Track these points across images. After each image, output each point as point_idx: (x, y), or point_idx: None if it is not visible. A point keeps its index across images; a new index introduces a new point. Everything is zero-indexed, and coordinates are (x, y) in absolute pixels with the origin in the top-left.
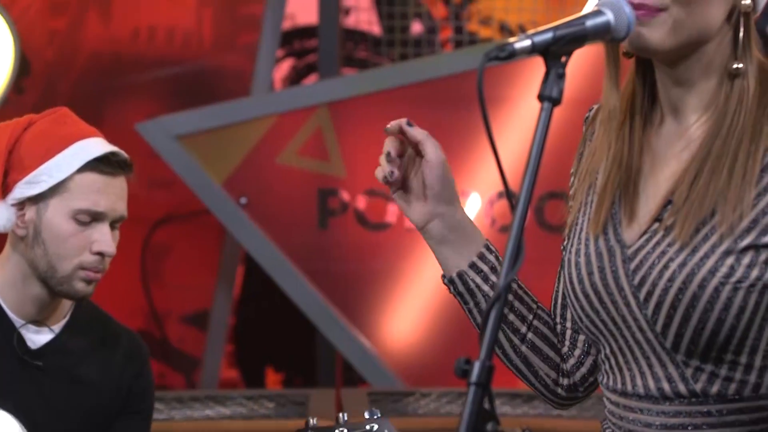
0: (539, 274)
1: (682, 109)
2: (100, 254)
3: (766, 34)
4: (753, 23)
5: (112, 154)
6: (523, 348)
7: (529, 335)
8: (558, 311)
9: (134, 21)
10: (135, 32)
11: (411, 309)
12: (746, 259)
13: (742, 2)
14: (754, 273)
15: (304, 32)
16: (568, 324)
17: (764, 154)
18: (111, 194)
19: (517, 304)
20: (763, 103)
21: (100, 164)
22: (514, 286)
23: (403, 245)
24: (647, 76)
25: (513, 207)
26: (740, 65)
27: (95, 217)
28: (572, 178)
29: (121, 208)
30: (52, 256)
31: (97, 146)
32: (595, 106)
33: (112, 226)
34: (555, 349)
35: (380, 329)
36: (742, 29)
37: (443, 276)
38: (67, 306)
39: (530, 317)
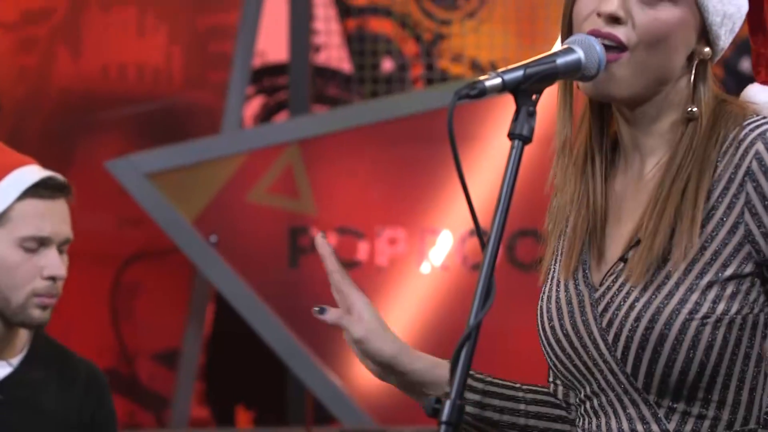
0: (511, 312)
1: (641, 150)
2: (52, 279)
3: (737, 70)
4: (710, 69)
5: (49, 178)
6: (531, 421)
7: (531, 413)
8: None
9: (104, 58)
10: (105, 69)
11: None
12: (711, 294)
13: (703, 50)
14: (720, 307)
15: (275, 70)
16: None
17: (712, 184)
18: (54, 218)
19: (501, 402)
20: (713, 134)
21: (38, 189)
22: (493, 389)
23: (374, 283)
24: (604, 114)
25: (483, 245)
26: (694, 109)
27: (42, 243)
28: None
29: (65, 230)
30: (3, 288)
31: (32, 173)
32: None
33: (60, 249)
34: (560, 408)
35: (351, 367)
36: (693, 75)
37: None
38: (24, 338)
39: (521, 406)
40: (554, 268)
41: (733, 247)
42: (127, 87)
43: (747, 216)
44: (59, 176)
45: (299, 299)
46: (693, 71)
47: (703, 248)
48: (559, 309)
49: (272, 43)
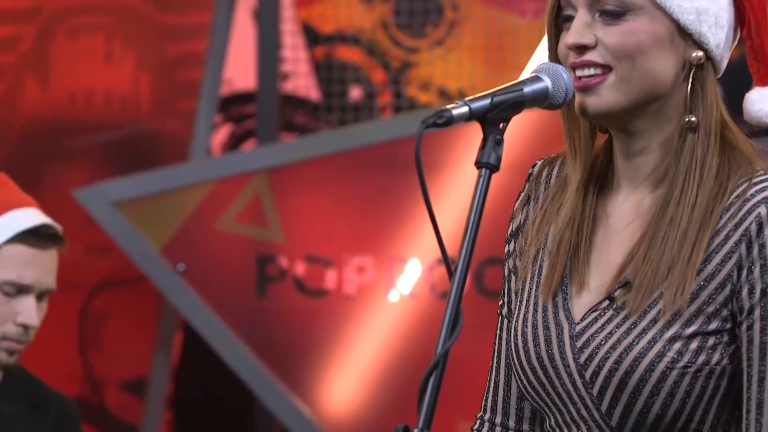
0: (479, 340)
1: (637, 178)
2: (24, 326)
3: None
4: (712, 76)
5: (44, 226)
6: None
7: None
8: (505, 409)
9: (72, 85)
10: (72, 97)
11: (350, 375)
12: (694, 345)
13: (693, 54)
14: (701, 358)
15: (243, 98)
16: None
17: (712, 238)
18: (39, 267)
19: None
20: (720, 176)
21: (30, 236)
22: None
23: (342, 312)
24: (609, 144)
25: (451, 274)
26: (692, 118)
27: (21, 289)
28: (511, 239)
29: (48, 281)
30: None
31: (29, 217)
32: (539, 162)
33: (40, 297)
34: None
35: (319, 396)
36: (696, 82)
37: None
38: None
39: None
40: (530, 287)
41: (720, 303)
42: (94, 115)
43: (735, 275)
44: (55, 225)
45: (267, 328)
46: (688, 79)
47: (690, 299)
48: (535, 334)
49: (240, 71)
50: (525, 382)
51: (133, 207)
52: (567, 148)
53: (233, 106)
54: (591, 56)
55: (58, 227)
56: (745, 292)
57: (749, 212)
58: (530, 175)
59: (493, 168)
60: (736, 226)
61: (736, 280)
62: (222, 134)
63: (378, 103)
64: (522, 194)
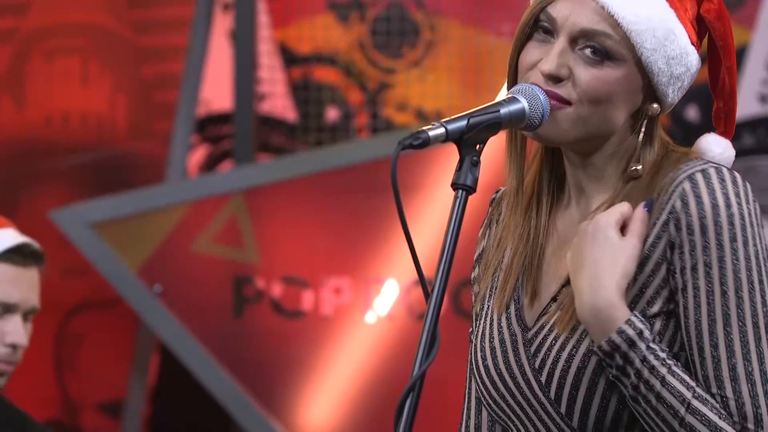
0: (456, 362)
1: (587, 192)
2: (13, 346)
3: (683, 120)
4: (658, 123)
5: (24, 245)
6: None
7: None
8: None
9: (48, 107)
10: (48, 119)
11: (328, 397)
12: None
13: (651, 106)
14: None
15: (219, 118)
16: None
17: (647, 239)
18: (23, 285)
19: None
20: (652, 185)
21: (12, 255)
22: None
23: (319, 333)
24: (554, 156)
25: (427, 295)
26: (638, 167)
27: (7, 309)
28: (476, 265)
29: (33, 299)
30: None
31: (8, 237)
32: (502, 189)
33: (25, 317)
34: None
35: (297, 417)
36: (644, 132)
37: None
38: None
39: None
40: (488, 305)
41: (658, 285)
42: (70, 136)
43: (668, 253)
44: (35, 243)
45: (244, 349)
46: (641, 128)
47: (629, 286)
48: (492, 348)
49: (216, 91)
50: (487, 396)
51: (109, 228)
52: (507, 165)
53: (210, 127)
54: (558, 90)
55: (38, 246)
56: (678, 270)
57: (674, 191)
58: (492, 200)
59: (470, 189)
60: (664, 208)
61: (669, 258)
62: (198, 155)
63: (355, 123)
64: (485, 220)
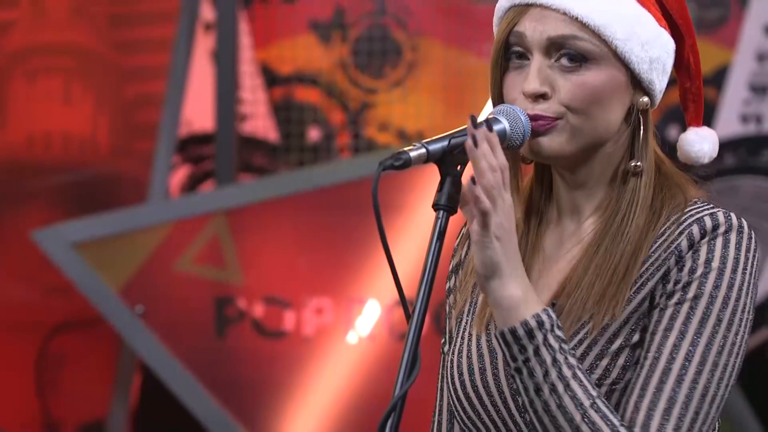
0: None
1: (578, 211)
2: None
3: (666, 139)
4: (650, 117)
5: None
6: None
7: None
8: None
9: (30, 127)
10: (30, 139)
11: (309, 417)
12: (620, 360)
13: (640, 100)
14: (628, 375)
15: (201, 139)
16: None
17: (643, 263)
18: None
19: None
20: (654, 206)
21: None
22: None
23: (301, 353)
24: (545, 176)
25: (408, 316)
26: (639, 163)
27: None
28: (451, 275)
29: None
30: None
31: None
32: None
33: None
34: None
35: None
36: (642, 128)
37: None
38: None
39: None
40: (467, 320)
41: (642, 313)
42: (52, 156)
43: (659, 287)
44: None
45: (226, 369)
46: (633, 124)
47: (614, 315)
48: (470, 364)
49: (198, 112)
50: (461, 412)
51: (91, 248)
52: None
53: (191, 147)
54: (545, 108)
55: None
56: (666, 293)
57: (681, 233)
58: (461, 234)
59: (451, 210)
60: (668, 248)
61: (658, 289)
62: (180, 175)
63: (336, 144)
64: (463, 230)
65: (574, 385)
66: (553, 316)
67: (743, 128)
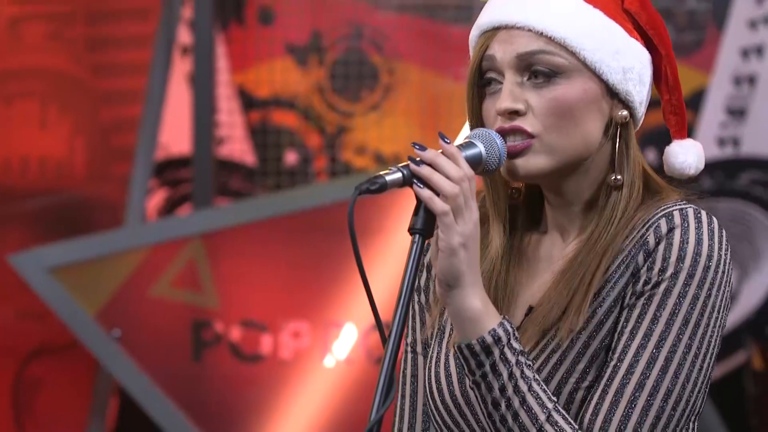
0: None
1: (565, 227)
2: None
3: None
4: (632, 132)
5: None
6: None
7: None
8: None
9: (6, 151)
10: (7, 162)
11: None
12: (597, 362)
13: (619, 113)
14: None
15: (178, 162)
16: None
17: (611, 264)
18: None
19: None
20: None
21: None
22: None
23: (278, 377)
24: (534, 194)
25: (384, 340)
26: (618, 177)
27: None
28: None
29: None
30: None
31: None
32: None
33: None
34: None
35: None
36: (620, 141)
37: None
38: None
39: None
40: (446, 327)
41: (616, 315)
42: (29, 180)
43: (629, 286)
44: None
45: (203, 393)
46: (612, 138)
47: (589, 318)
48: (448, 373)
49: (175, 135)
50: (441, 422)
51: (68, 273)
52: (488, 203)
53: (168, 170)
54: (521, 123)
55: None
56: (636, 292)
57: (648, 229)
58: (428, 265)
59: (426, 234)
60: (636, 244)
61: (630, 288)
62: (157, 199)
63: (313, 167)
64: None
65: (529, 398)
66: (510, 328)
67: (720, 151)
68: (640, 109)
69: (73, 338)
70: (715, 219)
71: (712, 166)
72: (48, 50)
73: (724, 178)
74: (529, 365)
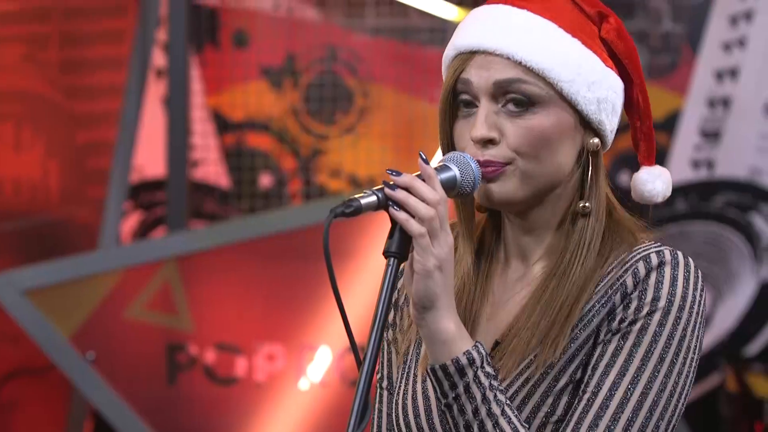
0: None
1: (527, 254)
2: None
3: (616, 185)
4: (601, 159)
5: None
6: None
7: None
8: None
9: None
10: None
11: None
12: (566, 398)
13: (590, 141)
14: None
15: (152, 185)
16: None
17: (587, 302)
18: None
19: None
20: (602, 250)
21: None
22: None
23: (253, 400)
24: (495, 221)
25: (359, 363)
26: (587, 204)
27: None
28: (396, 310)
29: None
30: None
31: None
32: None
33: None
34: None
35: None
36: (591, 169)
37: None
38: None
39: None
40: (412, 361)
41: (587, 351)
42: (3, 203)
43: (604, 323)
44: None
45: (177, 416)
46: (583, 165)
47: (563, 351)
48: (415, 405)
49: (150, 158)
50: None
51: (42, 295)
52: (461, 229)
53: (143, 193)
54: (494, 153)
55: None
56: (613, 326)
57: (626, 270)
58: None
59: (401, 257)
60: (613, 285)
61: (605, 326)
62: (132, 222)
63: (288, 190)
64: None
65: (502, 422)
66: (483, 352)
67: (695, 173)
68: (611, 136)
69: (48, 361)
70: (691, 260)
71: (686, 188)
72: (23, 72)
73: (699, 200)
74: (502, 390)
